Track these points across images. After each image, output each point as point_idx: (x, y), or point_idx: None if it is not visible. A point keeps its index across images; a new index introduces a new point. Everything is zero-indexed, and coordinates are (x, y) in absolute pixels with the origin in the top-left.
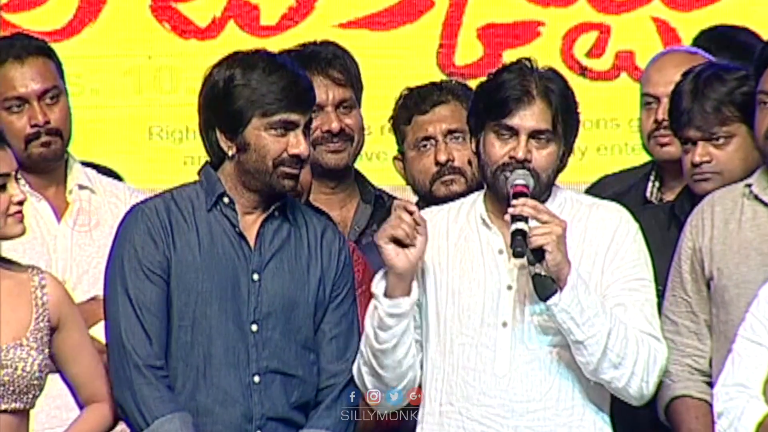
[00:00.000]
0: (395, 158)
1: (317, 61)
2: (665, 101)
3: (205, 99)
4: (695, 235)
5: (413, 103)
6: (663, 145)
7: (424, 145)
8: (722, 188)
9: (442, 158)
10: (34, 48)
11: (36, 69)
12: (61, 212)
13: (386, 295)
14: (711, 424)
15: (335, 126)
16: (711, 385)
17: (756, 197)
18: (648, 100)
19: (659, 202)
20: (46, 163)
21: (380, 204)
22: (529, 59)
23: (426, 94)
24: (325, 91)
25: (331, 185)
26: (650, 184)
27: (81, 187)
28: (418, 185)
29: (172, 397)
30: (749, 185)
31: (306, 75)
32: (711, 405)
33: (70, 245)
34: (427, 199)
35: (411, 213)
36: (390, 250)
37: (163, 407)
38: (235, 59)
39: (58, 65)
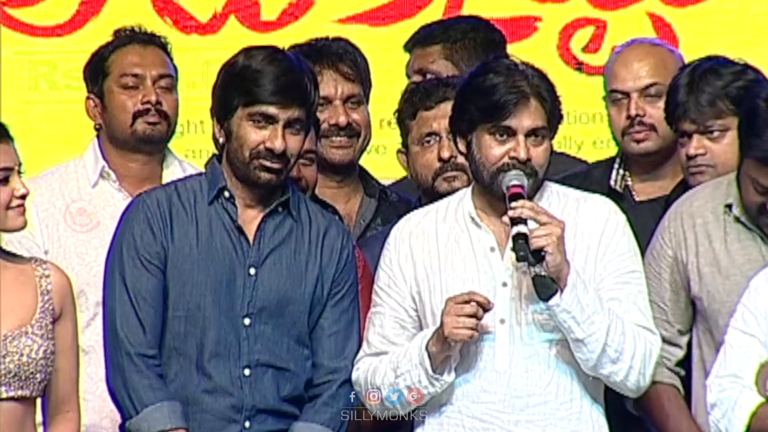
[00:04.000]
0: (399, 151)
1: (328, 56)
2: (635, 96)
3: (212, 89)
4: (676, 245)
5: (418, 99)
6: (638, 141)
7: (428, 141)
8: (699, 196)
9: (446, 155)
10: (158, 40)
11: (157, 55)
12: None
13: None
14: (684, 405)
15: (342, 120)
16: (681, 380)
17: (738, 219)
18: (617, 97)
19: (623, 189)
20: (149, 143)
21: (384, 198)
22: (507, 56)
23: (432, 90)
24: (334, 86)
25: (337, 179)
26: (614, 172)
27: None
28: (421, 180)
29: (162, 386)
30: (729, 206)
31: (302, 74)
32: (679, 389)
33: None
34: (430, 194)
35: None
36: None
37: (153, 395)
38: (242, 51)
39: (174, 67)
